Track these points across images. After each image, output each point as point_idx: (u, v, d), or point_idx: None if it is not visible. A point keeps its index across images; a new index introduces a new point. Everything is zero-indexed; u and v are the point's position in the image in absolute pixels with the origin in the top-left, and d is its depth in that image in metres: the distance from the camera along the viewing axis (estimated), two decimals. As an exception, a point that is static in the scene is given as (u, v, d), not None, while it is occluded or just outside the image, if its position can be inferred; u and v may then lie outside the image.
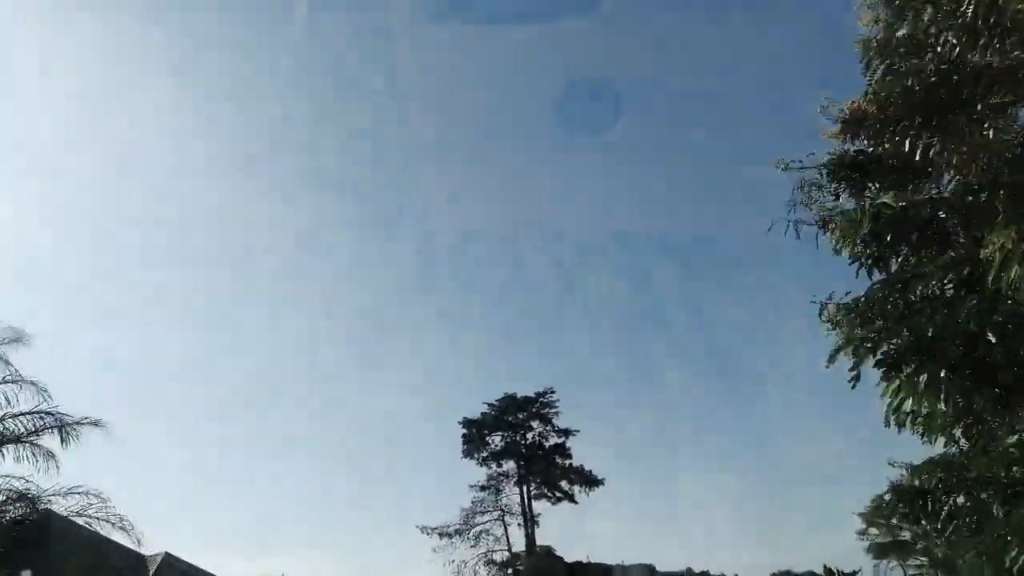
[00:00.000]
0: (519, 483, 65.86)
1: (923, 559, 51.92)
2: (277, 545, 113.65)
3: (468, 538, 63.13)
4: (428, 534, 62.05)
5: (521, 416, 68.06)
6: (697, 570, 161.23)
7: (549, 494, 66.14)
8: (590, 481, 65.59)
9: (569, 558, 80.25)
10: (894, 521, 52.24)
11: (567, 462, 66.64)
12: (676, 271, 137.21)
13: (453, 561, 61.89)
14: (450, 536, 61.98)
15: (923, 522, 49.33)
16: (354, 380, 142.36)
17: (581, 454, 69.76)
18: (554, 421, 67.98)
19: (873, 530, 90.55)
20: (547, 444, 67.44)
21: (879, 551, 52.59)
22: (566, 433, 67.61)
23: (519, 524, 64.88)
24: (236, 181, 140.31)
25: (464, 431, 67.40)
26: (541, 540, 67.31)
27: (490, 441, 67.42)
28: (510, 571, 63.99)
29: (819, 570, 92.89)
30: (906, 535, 52.85)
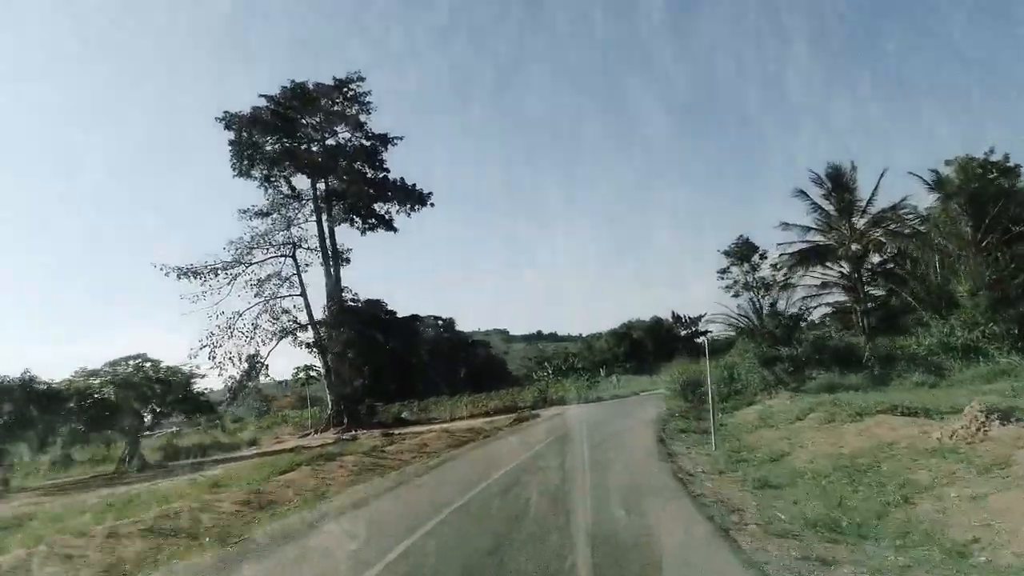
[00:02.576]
0: (317, 208, 44.97)
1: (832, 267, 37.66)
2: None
3: (245, 284, 42.68)
4: (177, 276, 40.95)
5: (318, 117, 45.58)
6: (546, 332, 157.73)
7: (358, 220, 46.05)
8: (412, 197, 45.81)
9: (401, 311, 63.85)
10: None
11: (381, 175, 46.06)
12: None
13: (222, 313, 41.77)
14: (204, 276, 41.01)
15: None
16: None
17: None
18: (366, 125, 46.17)
19: (735, 269, 79.28)
20: (353, 149, 46.02)
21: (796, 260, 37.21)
22: (382, 140, 46.37)
23: (320, 263, 44.98)
24: None
25: (231, 136, 44.42)
26: (352, 286, 49.10)
27: (270, 150, 44.87)
28: (309, 328, 44.93)
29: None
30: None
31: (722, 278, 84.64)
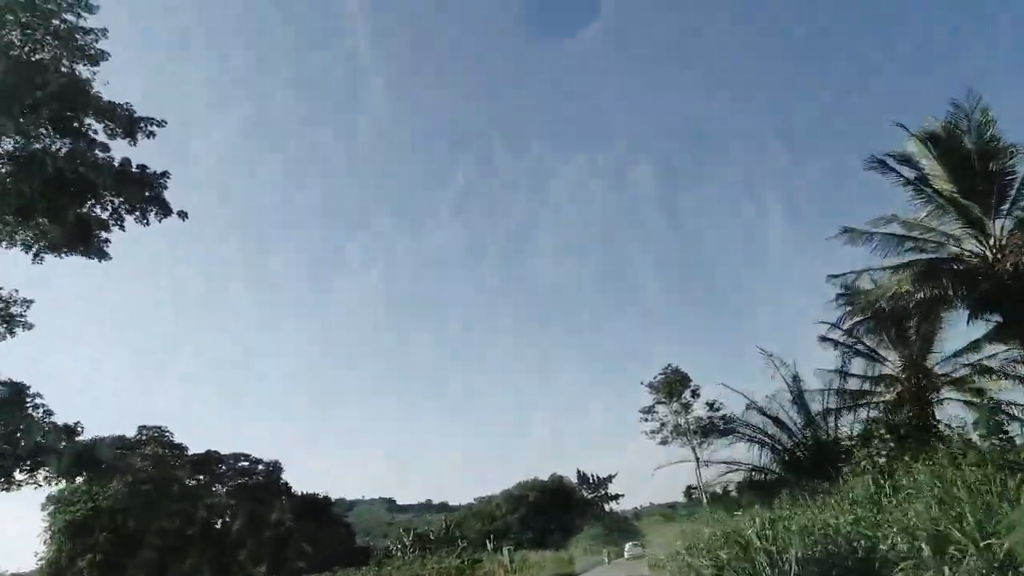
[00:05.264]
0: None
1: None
2: None
3: None
4: None
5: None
6: (436, 501, 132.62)
7: (21, 227, 22.91)
8: (142, 192, 23.61)
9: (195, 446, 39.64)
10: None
11: (83, 147, 23.92)
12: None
13: None
14: None
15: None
16: None
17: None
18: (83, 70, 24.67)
19: (661, 408, 61.13)
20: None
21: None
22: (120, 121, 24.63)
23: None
24: None
25: None
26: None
27: None
28: None
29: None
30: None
31: (646, 419, 64.11)
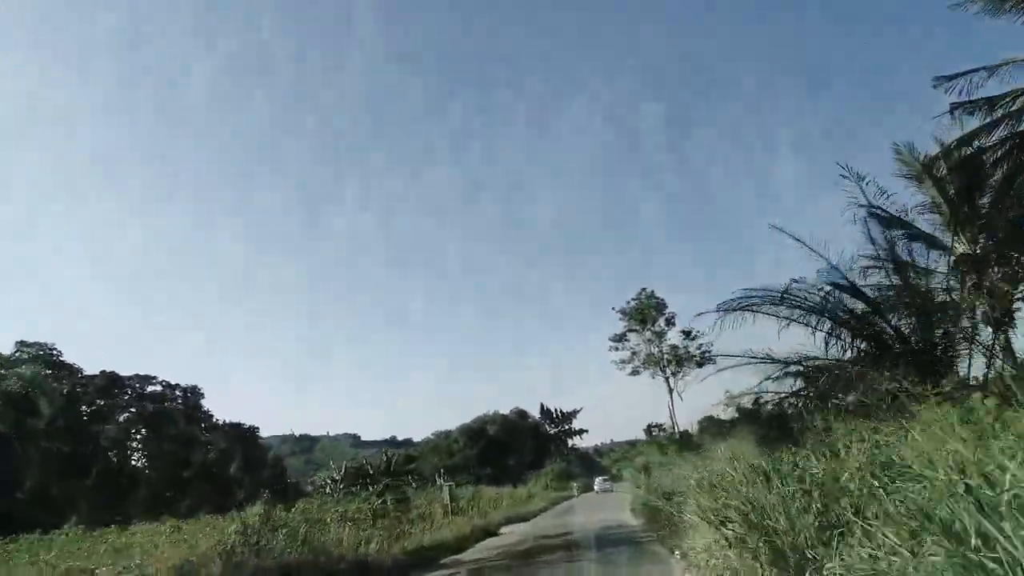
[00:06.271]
0: None
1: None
2: None
3: None
4: None
5: None
6: (400, 438, 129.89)
7: None
8: None
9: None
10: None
11: None
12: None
13: None
14: None
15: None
16: None
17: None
18: None
19: (633, 336, 55.59)
20: None
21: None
22: None
23: None
24: None
25: None
26: None
27: None
28: None
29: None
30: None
31: (616, 348, 58.16)
